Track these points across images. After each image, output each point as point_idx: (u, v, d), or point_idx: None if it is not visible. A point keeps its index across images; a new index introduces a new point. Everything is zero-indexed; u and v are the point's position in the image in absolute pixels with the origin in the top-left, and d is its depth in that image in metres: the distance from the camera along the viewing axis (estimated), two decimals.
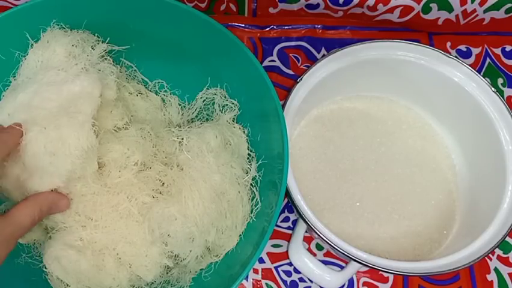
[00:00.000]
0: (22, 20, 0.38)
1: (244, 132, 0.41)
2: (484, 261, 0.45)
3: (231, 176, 0.37)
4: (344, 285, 0.44)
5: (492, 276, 0.44)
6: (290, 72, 0.51)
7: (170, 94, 0.45)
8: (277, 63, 0.51)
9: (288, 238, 0.44)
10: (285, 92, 0.48)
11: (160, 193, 0.37)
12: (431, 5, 0.47)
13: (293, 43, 0.52)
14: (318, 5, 0.49)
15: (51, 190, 0.33)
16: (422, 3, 0.47)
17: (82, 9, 0.38)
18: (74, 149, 0.32)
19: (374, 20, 0.51)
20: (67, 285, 0.37)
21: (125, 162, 0.36)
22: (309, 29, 0.52)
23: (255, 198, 0.38)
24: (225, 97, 0.42)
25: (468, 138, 0.45)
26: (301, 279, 0.44)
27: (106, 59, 0.39)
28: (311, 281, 0.43)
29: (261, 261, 0.44)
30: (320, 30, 0.53)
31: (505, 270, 0.45)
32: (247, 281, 0.43)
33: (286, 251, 0.43)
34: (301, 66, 0.51)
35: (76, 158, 0.32)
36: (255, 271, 0.44)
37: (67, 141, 0.32)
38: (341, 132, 0.47)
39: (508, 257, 0.45)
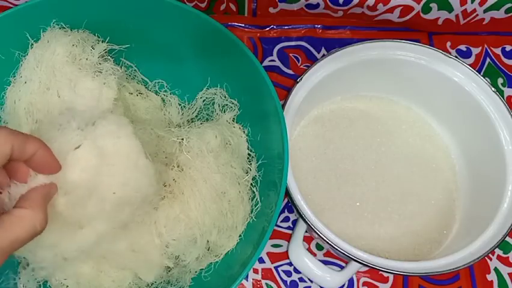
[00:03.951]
0: (22, 20, 0.38)
1: (244, 132, 0.41)
2: (484, 261, 0.45)
3: (231, 175, 0.37)
4: (344, 285, 0.44)
5: (492, 276, 0.44)
6: (290, 72, 0.51)
7: (170, 94, 0.45)
8: (277, 63, 0.51)
9: (288, 238, 0.44)
10: (285, 92, 0.48)
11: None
12: (431, 4, 0.47)
13: (293, 43, 0.52)
14: (318, 5, 0.49)
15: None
16: (422, 3, 0.47)
17: (82, 9, 0.38)
18: None
19: (374, 19, 0.51)
20: (67, 287, 0.37)
21: None
22: (309, 29, 0.52)
23: (255, 198, 0.38)
24: (225, 97, 0.42)
25: (468, 138, 0.45)
26: (301, 279, 0.44)
27: (107, 59, 0.39)
28: (311, 281, 0.43)
29: (261, 261, 0.44)
30: (320, 30, 0.52)
31: (505, 270, 0.45)
32: (247, 280, 0.43)
33: (286, 251, 0.43)
34: (301, 66, 0.51)
35: None
36: (255, 271, 0.44)
37: None
38: (341, 132, 0.47)
39: (508, 257, 0.45)
